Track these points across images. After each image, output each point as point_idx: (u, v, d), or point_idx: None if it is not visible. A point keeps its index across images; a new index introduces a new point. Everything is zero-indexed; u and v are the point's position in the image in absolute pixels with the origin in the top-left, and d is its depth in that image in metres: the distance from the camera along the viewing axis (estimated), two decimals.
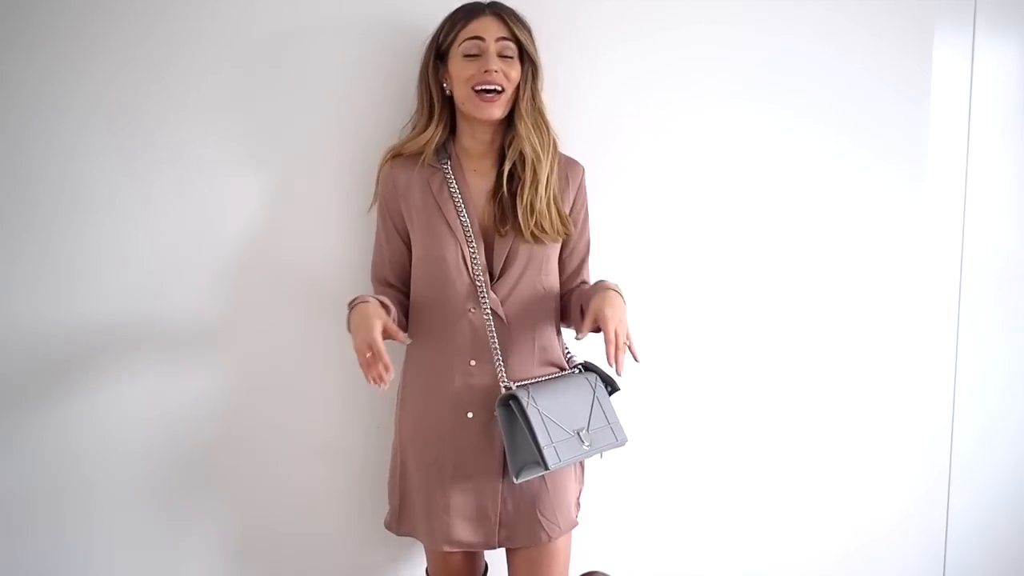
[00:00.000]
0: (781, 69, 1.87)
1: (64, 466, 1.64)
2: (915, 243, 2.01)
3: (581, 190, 1.60)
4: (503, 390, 1.46)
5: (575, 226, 1.59)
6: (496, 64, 1.47)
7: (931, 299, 2.15)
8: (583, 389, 1.52)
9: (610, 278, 1.72)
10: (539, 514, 1.52)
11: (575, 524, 1.58)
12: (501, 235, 1.51)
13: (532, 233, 1.49)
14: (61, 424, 1.63)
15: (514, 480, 1.44)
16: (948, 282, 2.19)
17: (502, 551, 1.57)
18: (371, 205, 1.62)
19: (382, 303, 1.45)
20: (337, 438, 1.74)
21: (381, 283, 1.59)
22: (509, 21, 1.49)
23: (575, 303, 1.56)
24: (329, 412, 1.73)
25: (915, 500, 2.12)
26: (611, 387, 1.56)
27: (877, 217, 1.97)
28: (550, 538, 1.52)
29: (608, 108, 1.79)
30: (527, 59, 1.51)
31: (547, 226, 1.50)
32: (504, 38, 1.48)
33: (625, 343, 1.40)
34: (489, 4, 1.53)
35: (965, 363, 2.22)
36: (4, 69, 1.54)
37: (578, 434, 1.45)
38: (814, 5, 1.87)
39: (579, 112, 1.76)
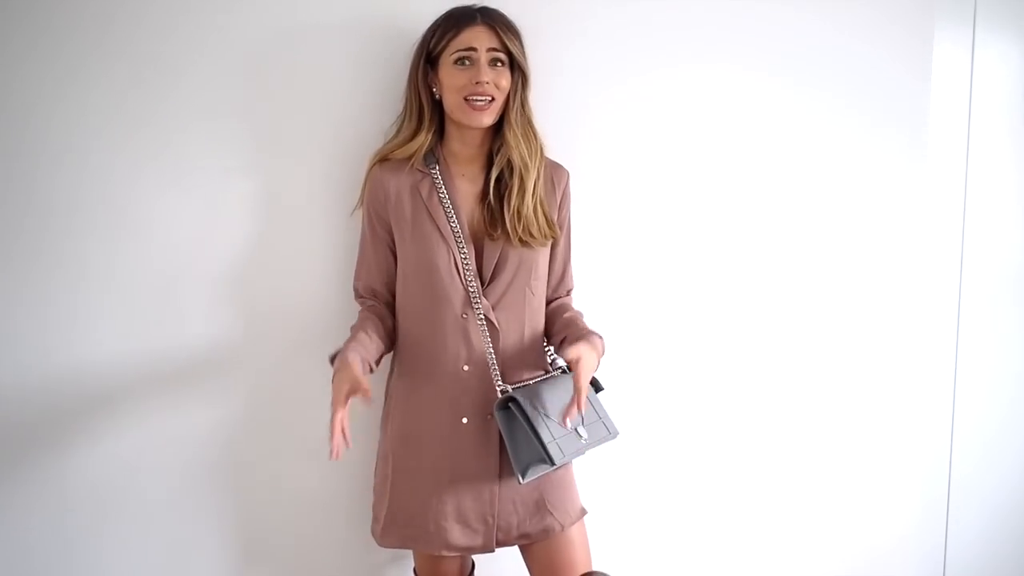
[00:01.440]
0: (779, 66, 1.87)
1: (62, 467, 1.65)
2: (915, 240, 1.99)
3: (566, 195, 1.61)
4: (499, 394, 1.48)
5: (560, 230, 1.59)
6: (487, 75, 1.47)
7: (931, 296, 2.12)
8: (571, 389, 1.52)
9: (605, 278, 1.77)
10: (548, 506, 1.54)
11: (583, 512, 1.59)
12: (491, 240, 1.52)
13: (520, 239, 1.51)
14: (59, 427, 1.64)
15: (520, 480, 1.47)
16: (948, 280, 2.17)
17: (498, 553, 1.56)
18: (354, 208, 1.62)
19: (365, 353, 1.45)
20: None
21: (369, 294, 1.59)
22: (500, 32, 1.49)
23: (560, 330, 1.57)
24: (325, 415, 1.72)
25: (916, 506, 2.09)
26: (595, 386, 1.59)
27: (877, 215, 1.96)
28: (562, 527, 1.54)
29: (606, 98, 1.78)
30: (517, 68, 1.52)
31: (535, 231, 1.52)
32: (495, 48, 1.49)
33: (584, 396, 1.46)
34: (480, 11, 1.52)
35: (965, 365, 2.20)
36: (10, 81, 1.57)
37: (576, 430, 1.49)
38: (814, 3, 1.87)
39: (585, 121, 1.77)
